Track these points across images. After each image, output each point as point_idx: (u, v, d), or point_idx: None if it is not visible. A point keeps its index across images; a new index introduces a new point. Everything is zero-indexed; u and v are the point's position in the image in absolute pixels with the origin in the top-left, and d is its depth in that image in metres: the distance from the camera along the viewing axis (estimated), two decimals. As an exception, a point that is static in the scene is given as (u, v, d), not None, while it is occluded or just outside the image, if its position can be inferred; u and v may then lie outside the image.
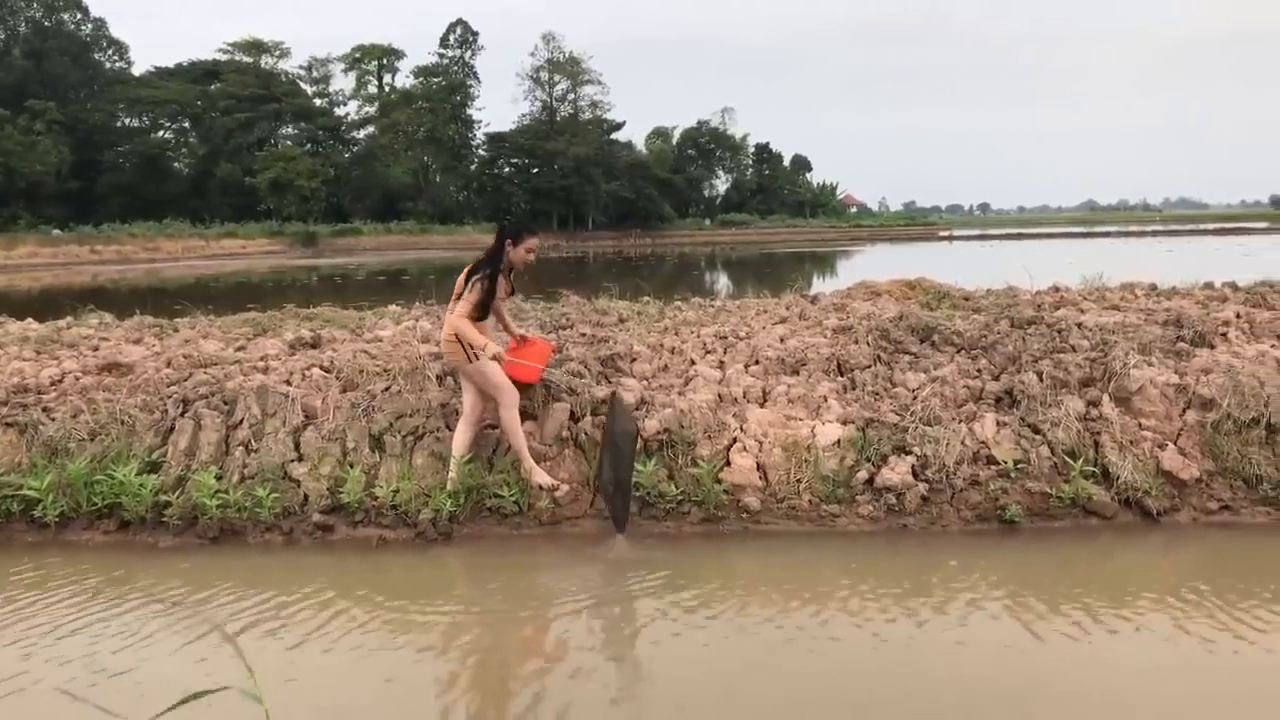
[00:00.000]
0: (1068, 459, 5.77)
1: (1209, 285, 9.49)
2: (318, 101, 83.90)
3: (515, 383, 5.96)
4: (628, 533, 5.56)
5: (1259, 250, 32.87)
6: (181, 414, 6.32)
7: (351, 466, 5.95)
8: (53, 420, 6.31)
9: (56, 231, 55.95)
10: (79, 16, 74.20)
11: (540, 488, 5.79)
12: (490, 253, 5.87)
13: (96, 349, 7.82)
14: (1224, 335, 6.89)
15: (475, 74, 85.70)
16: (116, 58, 77.40)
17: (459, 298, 5.79)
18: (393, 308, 10.27)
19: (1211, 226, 74.73)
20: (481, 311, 5.80)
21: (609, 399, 6.07)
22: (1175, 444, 5.90)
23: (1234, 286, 9.27)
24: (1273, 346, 6.65)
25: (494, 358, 5.71)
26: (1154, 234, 62.28)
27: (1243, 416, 5.91)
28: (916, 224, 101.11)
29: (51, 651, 4.29)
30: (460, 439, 5.89)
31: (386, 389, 6.45)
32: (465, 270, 5.84)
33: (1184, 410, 6.09)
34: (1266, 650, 4.12)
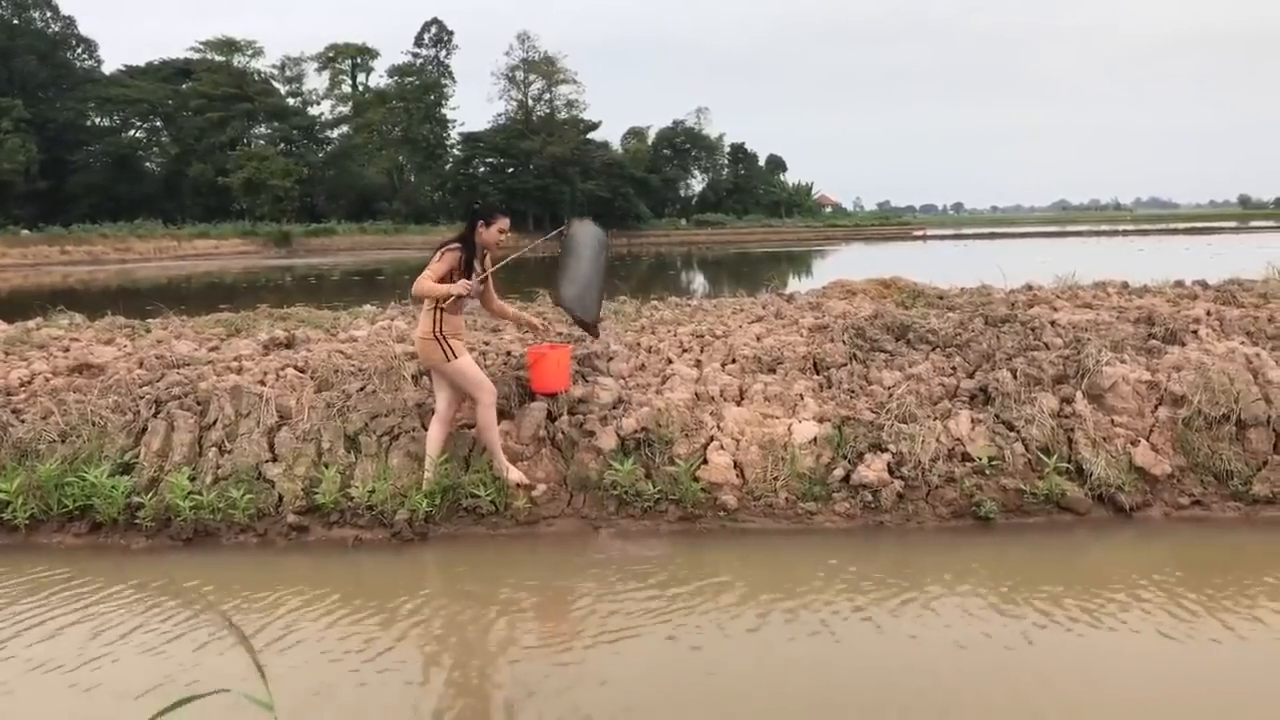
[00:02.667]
0: (1042, 455, 5.82)
1: (1180, 283, 9.59)
2: (291, 101, 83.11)
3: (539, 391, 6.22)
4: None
5: (1228, 249, 33.23)
6: (154, 415, 6.26)
7: (327, 467, 5.91)
8: (22, 422, 6.24)
9: (25, 232, 55.13)
10: (48, 15, 73.27)
11: (517, 485, 5.78)
12: (462, 235, 5.81)
13: (67, 350, 7.72)
14: (1194, 332, 6.96)
15: (450, 73, 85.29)
16: (86, 56, 76.44)
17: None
18: (368, 307, 10.22)
19: (1182, 226, 75.49)
20: (471, 286, 5.69)
21: (566, 223, 6.10)
22: (1147, 440, 5.96)
23: (1204, 285, 9.36)
24: (1242, 343, 6.72)
25: (464, 293, 5.62)
26: (1125, 233, 62.84)
27: (1213, 413, 5.98)
28: (891, 224, 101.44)
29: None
30: (434, 439, 5.86)
31: (362, 389, 6.41)
32: (436, 249, 5.78)
33: (1156, 407, 6.16)
34: (1239, 642, 4.17)
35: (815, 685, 3.89)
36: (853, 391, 6.48)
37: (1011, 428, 6.03)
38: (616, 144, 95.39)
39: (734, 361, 6.93)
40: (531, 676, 4.03)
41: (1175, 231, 64.31)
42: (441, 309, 5.69)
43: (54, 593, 4.96)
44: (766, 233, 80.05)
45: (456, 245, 5.74)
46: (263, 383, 6.55)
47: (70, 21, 75.08)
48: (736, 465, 5.90)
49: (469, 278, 5.71)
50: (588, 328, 6.32)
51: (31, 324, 9.09)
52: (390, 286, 22.62)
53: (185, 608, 4.73)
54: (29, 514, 5.70)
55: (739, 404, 6.36)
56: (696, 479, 5.77)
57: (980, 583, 4.83)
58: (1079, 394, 6.19)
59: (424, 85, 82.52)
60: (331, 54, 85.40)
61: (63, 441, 6.07)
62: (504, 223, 5.88)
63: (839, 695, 3.82)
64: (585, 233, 6.19)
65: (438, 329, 5.69)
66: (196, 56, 79.02)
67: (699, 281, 31.74)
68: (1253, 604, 4.53)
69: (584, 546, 5.51)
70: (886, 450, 5.89)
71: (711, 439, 6.03)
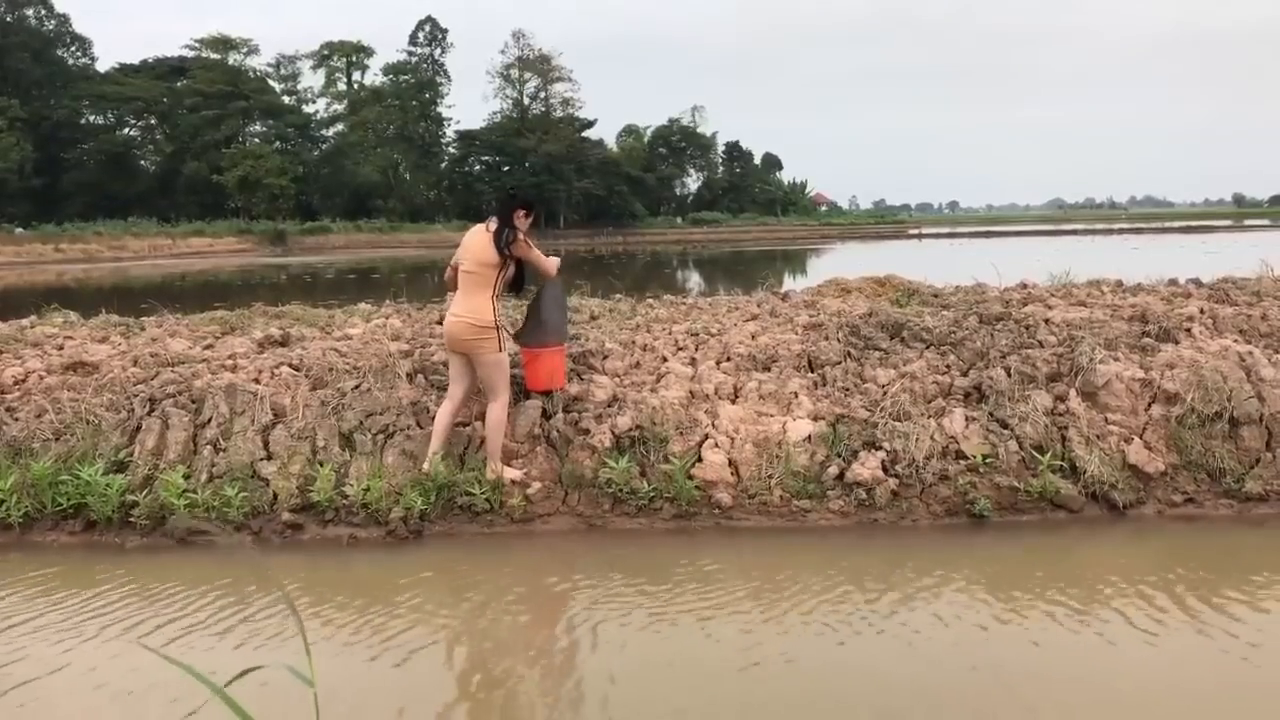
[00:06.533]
0: (1035, 453, 5.83)
1: (1174, 282, 9.59)
2: (286, 99, 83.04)
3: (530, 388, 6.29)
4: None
5: (1222, 247, 33.29)
6: (148, 413, 6.25)
7: (321, 465, 5.91)
8: (16, 420, 6.23)
9: (20, 230, 55.03)
10: (42, 12, 73.12)
11: (512, 483, 5.79)
12: (505, 221, 5.81)
13: (61, 348, 7.70)
14: (1188, 331, 6.97)
15: (445, 71, 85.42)
16: (80, 54, 76.31)
17: (497, 267, 5.77)
18: (363, 306, 10.20)
19: (1177, 224, 75.65)
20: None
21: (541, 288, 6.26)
22: (1141, 438, 5.98)
23: (1198, 283, 9.37)
24: (1235, 342, 6.74)
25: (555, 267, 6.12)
26: (1120, 232, 62.92)
27: (1206, 410, 5.99)
28: (886, 222, 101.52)
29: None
30: (443, 422, 5.89)
31: (356, 387, 6.41)
32: (490, 238, 5.77)
33: (1149, 405, 6.17)
34: (1233, 639, 4.18)
35: (808, 684, 3.89)
36: (847, 389, 6.48)
37: (1006, 426, 6.04)
38: (612, 142, 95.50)
39: (729, 359, 6.94)
40: (526, 674, 4.03)
41: (1170, 230, 64.43)
42: (497, 296, 5.82)
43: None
44: (762, 231, 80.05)
45: (520, 233, 5.83)
46: (257, 381, 6.55)
47: (64, 19, 75.06)
48: (731, 463, 5.91)
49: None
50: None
51: (25, 322, 9.07)
52: (385, 285, 22.61)
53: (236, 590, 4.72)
54: (23, 512, 5.69)
55: (734, 402, 6.36)
56: (691, 477, 5.78)
57: (974, 580, 4.84)
58: (1073, 392, 6.21)
59: (419, 83, 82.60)
60: (326, 52, 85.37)
61: (57, 440, 6.06)
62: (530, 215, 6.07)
63: (831, 694, 3.82)
64: (550, 293, 6.26)
65: (497, 317, 5.77)
66: (191, 54, 78.99)
67: (694, 280, 31.75)
68: (1247, 601, 4.54)
69: (578, 544, 5.51)
70: (881, 448, 5.90)
71: (706, 437, 6.03)
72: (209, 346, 7.69)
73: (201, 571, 5.17)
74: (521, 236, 5.80)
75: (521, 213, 5.88)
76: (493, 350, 5.76)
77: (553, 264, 6.10)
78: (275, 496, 5.81)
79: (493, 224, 5.83)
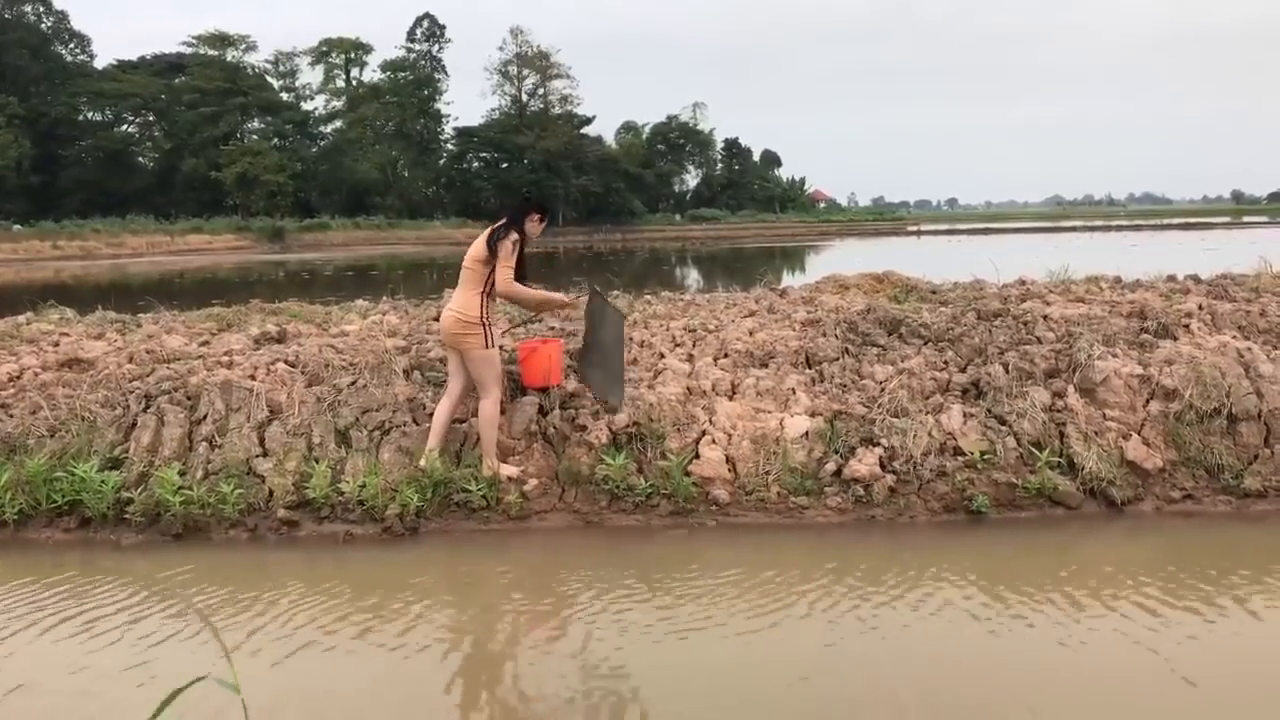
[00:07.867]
0: (1034, 450, 5.82)
1: (1172, 278, 9.59)
2: (285, 95, 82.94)
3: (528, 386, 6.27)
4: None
5: (1220, 244, 33.29)
6: (144, 410, 6.23)
7: (317, 462, 5.89)
8: (11, 417, 6.21)
9: (17, 227, 54.95)
10: (40, 9, 72.98)
11: (509, 480, 5.77)
12: (512, 220, 5.77)
13: (57, 345, 7.69)
14: (1186, 327, 6.96)
15: (443, 68, 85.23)
16: (79, 50, 76.16)
17: (488, 264, 5.70)
18: (360, 302, 10.19)
19: (1175, 221, 75.67)
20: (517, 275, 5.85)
21: (591, 295, 6.31)
22: (1139, 434, 5.97)
23: (1196, 279, 9.37)
24: (1234, 338, 6.73)
25: (564, 304, 6.23)
26: (1119, 229, 62.95)
27: (1204, 407, 5.98)
28: (885, 219, 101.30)
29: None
30: (442, 417, 5.87)
31: (353, 383, 6.39)
32: (484, 236, 5.76)
33: (1147, 401, 6.16)
34: (1232, 635, 4.18)
35: (804, 680, 3.88)
36: (845, 386, 6.47)
37: (1003, 422, 6.02)
38: (610, 139, 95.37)
39: (726, 356, 6.92)
40: (522, 672, 4.02)
41: (1169, 227, 64.46)
42: (487, 294, 5.75)
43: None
44: (761, 228, 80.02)
45: (516, 235, 5.73)
46: (253, 377, 6.52)
47: (63, 16, 74.83)
48: (728, 460, 5.89)
49: (523, 260, 5.84)
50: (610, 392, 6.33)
51: (22, 319, 9.06)
52: (383, 282, 22.60)
53: (161, 602, 4.71)
54: (18, 509, 5.67)
55: (731, 398, 6.35)
56: (688, 473, 5.76)
57: (972, 577, 4.82)
58: (1071, 388, 6.19)
59: (417, 80, 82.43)
60: (325, 48, 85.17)
61: (51, 436, 6.04)
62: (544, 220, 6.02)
63: (827, 690, 3.81)
64: (611, 321, 6.20)
65: (485, 314, 5.72)
66: (189, 51, 78.80)
67: (692, 277, 31.74)
68: (1245, 598, 4.53)
69: (575, 541, 5.50)
70: (878, 444, 5.89)
71: (703, 433, 6.02)
72: (205, 343, 7.67)
73: (196, 567, 5.16)
74: (510, 241, 5.69)
75: (536, 216, 5.88)
76: (478, 346, 5.73)
77: (533, 297, 6.00)
78: (271, 493, 5.79)
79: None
